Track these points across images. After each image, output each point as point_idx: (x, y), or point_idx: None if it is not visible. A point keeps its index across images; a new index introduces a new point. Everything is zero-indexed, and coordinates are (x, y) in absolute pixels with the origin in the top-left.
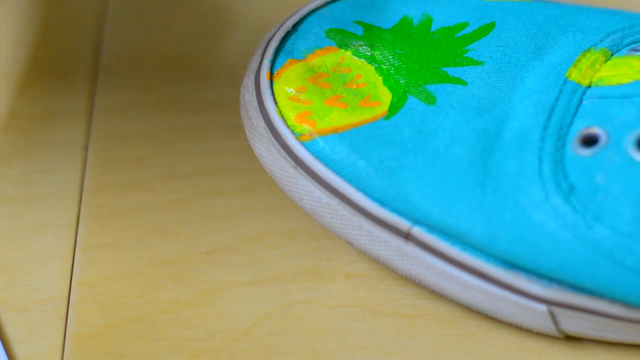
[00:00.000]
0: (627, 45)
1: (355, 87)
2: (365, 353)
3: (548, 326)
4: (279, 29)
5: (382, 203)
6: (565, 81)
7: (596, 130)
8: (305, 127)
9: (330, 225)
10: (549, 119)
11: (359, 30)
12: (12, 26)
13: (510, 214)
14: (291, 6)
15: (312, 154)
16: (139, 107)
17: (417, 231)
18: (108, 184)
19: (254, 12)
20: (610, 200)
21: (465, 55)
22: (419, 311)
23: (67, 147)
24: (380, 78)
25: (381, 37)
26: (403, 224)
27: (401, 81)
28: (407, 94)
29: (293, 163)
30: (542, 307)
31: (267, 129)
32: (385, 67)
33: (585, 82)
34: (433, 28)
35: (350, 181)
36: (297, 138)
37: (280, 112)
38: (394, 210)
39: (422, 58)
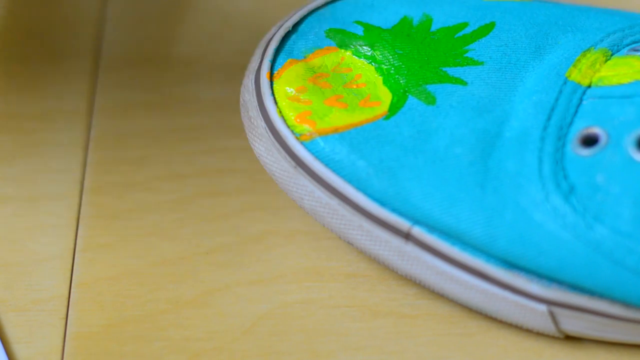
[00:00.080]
0: (627, 45)
1: (355, 87)
2: (365, 353)
3: (548, 326)
4: (279, 29)
5: (382, 203)
6: (565, 81)
7: (596, 130)
8: (305, 127)
9: (330, 225)
10: (549, 119)
11: (359, 30)
12: (13, 26)
13: (510, 214)
14: (291, 6)
15: (312, 154)
16: (139, 107)
17: (417, 231)
18: (108, 184)
19: (254, 12)
20: (610, 200)
21: (465, 55)
22: (419, 311)
23: (67, 147)
24: (380, 78)
25: (381, 37)
26: (403, 224)
27: (401, 81)
28: (407, 94)
29: (293, 163)
30: (542, 307)
31: (267, 129)
32: (385, 67)
33: (585, 82)
34: (433, 28)
35: (350, 181)
36: (297, 138)
37: (280, 112)
38: (394, 210)
39: (422, 58)
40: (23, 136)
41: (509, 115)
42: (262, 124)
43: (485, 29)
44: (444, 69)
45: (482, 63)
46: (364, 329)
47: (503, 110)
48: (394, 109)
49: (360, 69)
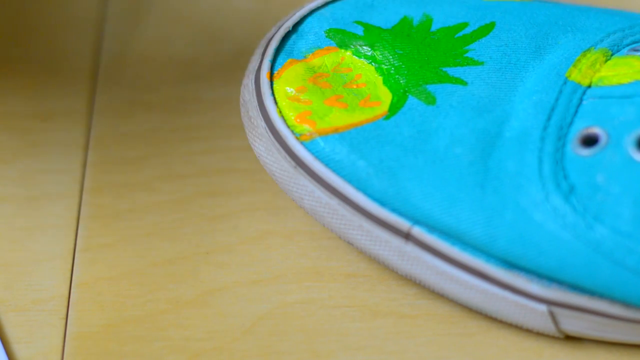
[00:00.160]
0: (627, 45)
1: (355, 87)
2: (365, 353)
3: (548, 326)
4: (279, 29)
5: (382, 203)
6: (566, 81)
7: (596, 130)
8: (305, 127)
9: (330, 225)
10: (549, 119)
11: (359, 30)
12: (13, 26)
13: (510, 214)
14: (291, 6)
15: (312, 154)
16: (139, 107)
17: (417, 231)
18: (108, 184)
19: (254, 12)
20: (610, 200)
21: (466, 55)
22: (419, 311)
23: (67, 147)
24: (381, 78)
25: (381, 37)
26: (403, 224)
27: (401, 81)
28: (407, 94)
29: (293, 163)
30: (542, 307)
31: (267, 128)
32: (386, 67)
33: (586, 82)
34: (433, 28)
35: (350, 181)
36: (297, 138)
37: (280, 112)
38: (394, 210)
39: (422, 58)
40: (23, 136)
41: (509, 115)
42: (262, 124)
43: (485, 29)
44: (444, 69)
45: (482, 63)
46: (364, 329)
47: (503, 110)
48: (394, 109)
49: (360, 69)
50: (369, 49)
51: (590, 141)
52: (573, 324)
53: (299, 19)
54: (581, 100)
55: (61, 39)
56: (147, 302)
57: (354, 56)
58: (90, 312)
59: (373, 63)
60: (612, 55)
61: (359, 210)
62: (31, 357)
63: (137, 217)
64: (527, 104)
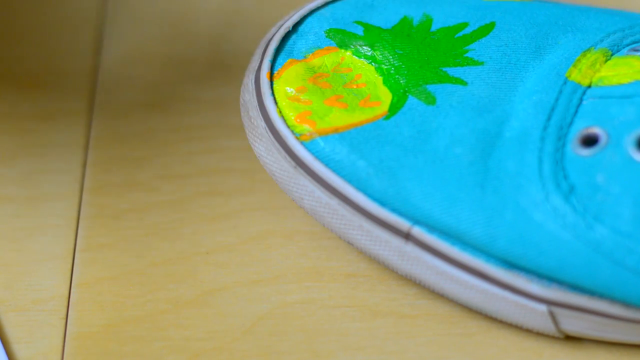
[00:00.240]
0: (627, 45)
1: (355, 87)
2: (365, 353)
3: (548, 326)
4: (279, 29)
5: (382, 203)
6: (566, 81)
7: (596, 130)
8: (305, 127)
9: (330, 225)
10: (549, 119)
11: (359, 30)
12: (12, 26)
13: (510, 214)
14: (291, 6)
15: (312, 154)
16: (139, 107)
17: (417, 231)
18: (108, 184)
19: (254, 12)
20: (610, 200)
21: (466, 55)
22: (419, 311)
23: (67, 147)
24: (380, 78)
25: (381, 37)
26: (403, 224)
27: (401, 81)
28: (407, 94)
29: (293, 163)
30: (542, 307)
31: (267, 129)
32: (386, 67)
33: (586, 82)
34: (433, 28)
35: (350, 181)
36: (297, 138)
37: (280, 112)
38: (394, 210)
39: (422, 58)
40: (23, 136)
41: (509, 115)
42: (262, 124)
43: (485, 29)
44: (444, 69)
45: (482, 63)
46: (364, 329)
47: (503, 110)
48: (394, 109)
49: (360, 69)
50: (369, 49)
51: (590, 141)
52: (573, 324)
53: (299, 19)
54: (581, 100)
55: (61, 39)
56: (147, 302)
57: (354, 56)
58: (90, 312)
59: (373, 63)
60: (612, 55)
61: (359, 210)
62: (31, 357)
63: (137, 217)
64: (527, 104)
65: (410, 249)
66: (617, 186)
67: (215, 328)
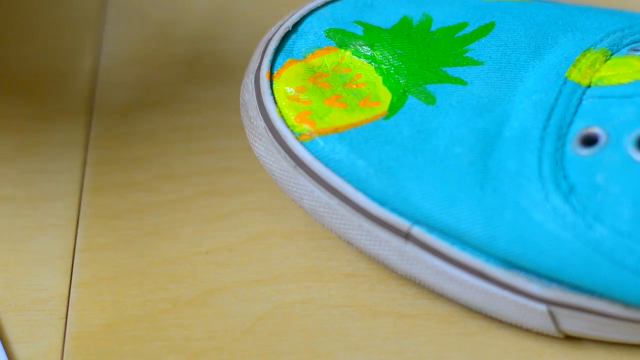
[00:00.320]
0: (627, 45)
1: (355, 87)
2: (365, 353)
3: (548, 326)
4: (279, 29)
5: (382, 203)
6: (565, 81)
7: (596, 130)
8: (305, 127)
9: (330, 225)
10: (549, 119)
11: (359, 30)
12: (12, 26)
13: (511, 214)
14: (291, 6)
15: (312, 154)
16: (139, 107)
17: (417, 231)
18: (108, 184)
19: (254, 12)
20: (610, 201)
21: (465, 55)
22: (419, 311)
23: (67, 147)
24: (380, 78)
25: (381, 37)
26: (403, 224)
27: (401, 81)
28: (407, 94)
29: (293, 163)
30: (542, 307)
31: (267, 129)
32: (385, 67)
33: (585, 82)
34: (433, 28)
35: (350, 181)
36: (297, 138)
37: (280, 112)
38: (394, 210)
39: (422, 58)
40: (23, 136)
41: (509, 115)
42: (262, 124)
43: (485, 29)
44: (444, 69)
45: (482, 63)
46: (364, 329)
47: (503, 110)
48: (394, 109)
49: (360, 69)
50: (369, 49)
51: (590, 141)
52: (573, 324)
53: (299, 19)
54: (581, 100)
55: (61, 39)
56: (147, 302)
57: (354, 56)
58: (90, 312)
59: (373, 63)
60: (612, 55)
61: (359, 210)
62: (31, 357)
63: (137, 217)
64: (527, 104)
65: (410, 249)
66: (617, 186)
67: (215, 328)
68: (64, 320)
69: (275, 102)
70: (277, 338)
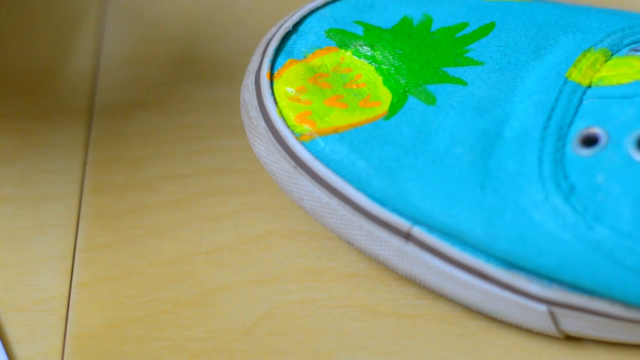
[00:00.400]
0: (627, 45)
1: (355, 87)
2: (365, 353)
3: (548, 326)
4: (279, 29)
5: (382, 203)
6: (566, 81)
7: (596, 130)
8: (305, 127)
9: (330, 225)
10: (549, 119)
11: (359, 30)
12: (12, 26)
13: (511, 214)
14: (291, 6)
15: (312, 154)
16: (139, 107)
17: (417, 231)
18: (108, 184)
19: (254, 12)
20: (610, 201)
21: (466, 55)
22: (419, 311)
23: (67, 147)
24: (381, 78)
25: (381, 37)
26: (403, 224)
27: (401, 81)
28: (407, 94)
29: (293, 163)
30: (542, 307)
31: (267, 129)
32: (386, 67)
33: (586, 82)
34: (433, 28)
35: (350, 181)
36: (297, 138)
37: (280, 112)
38: (394, 210)
39: (422, 58)
40: (23, 136)
41: (509, 115)
42: (262, 124)
43: (485, 29)
44: (444, 69)
45: (482, 63)
46: (364, 329)
47: (503, 110)
48: (394, 109)
49: (361, 69)
50: (369, 49)
51: (590, 141)
52: (573, 324)
53: (299, 19)
54: (581, 100)
55: (61, 39)
56: (147, 302)
57: (354, 56)
58: (90, 312)
59: (373, 63)
60: (612, 55)
61: (359, 210)
62: (31, 357)
63: (137, 217)
64: (527, 104)
65: (410, 249)
66: (617, 186)
67: (215, 328)
68: (64, 320)
69: (276, 102)
70: (277, 338)
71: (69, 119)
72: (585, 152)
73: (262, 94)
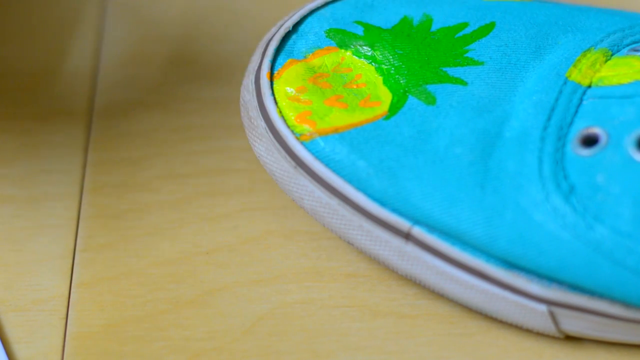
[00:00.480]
0: (627, 45)
1: (355, 87)
2: (365, 353)
3: (548, 326)
4: (279, 29)
5: (382, 203)
6: (566, 81)
7: (596, 130)
8: (305, 127)
9: (330, 225)
10: (549, 119)
11: (359, 30)
12: (12, 26)
13: (511, 214)
14: (291, 6)
15: (312, 154)
16: (139, 107)
17: (417, 231)
18: (108, 184)
19: (254, 12)
20: (610, 200)
21: (466, 55)
22: (419, 311)
23: (67, 147)
24: (381, 78)
25: (381, 37)
26: (403, 224)
27: (401, 81)
28: (407, 94)
29: (293, 163)
30: (542, 307)
31: (267, 129)
32: (386, 67)
33: (586, 82)
34: (433, 28)
35: (350, 181)
36: (297, 138)
37: (280, 112)
38: (394, 210)
39: (422, 58)
40: (23, 136)
41: (509, 115)
42: (262, 124)
43: (486, 29)
44: (444, 69)
45: (482, 63)
46: (364, 329)
47: (503, 110)
48: (394, 109)
49: (361, 69)
50: (369, 49)
51: (590, 141)
52: (573, 324)
53: (299, 19)
54: (581, 100)
55: (61, 39)
56: (147, 302)
57: (354, 56)
58: (90, 312)
59: (373, 63)
60: (612, 55)
61: (359, 210)
62: (31, 357)
63: (137, 217)
64: (527, 104)
65: (410, 249)
66: (617, 186)
67: (215, 328)
68: (64, 320)
69: (276, 102)
70: (277, 338)
71: (69, 119)
72: (585, 152)
73: (262, 94)
